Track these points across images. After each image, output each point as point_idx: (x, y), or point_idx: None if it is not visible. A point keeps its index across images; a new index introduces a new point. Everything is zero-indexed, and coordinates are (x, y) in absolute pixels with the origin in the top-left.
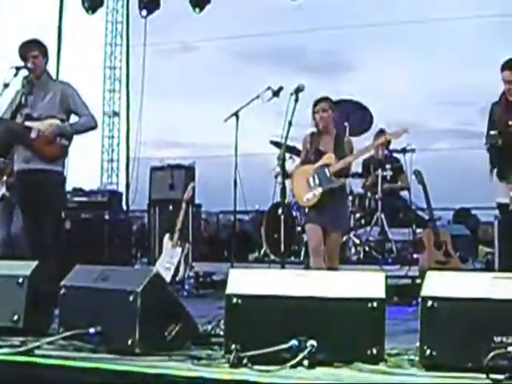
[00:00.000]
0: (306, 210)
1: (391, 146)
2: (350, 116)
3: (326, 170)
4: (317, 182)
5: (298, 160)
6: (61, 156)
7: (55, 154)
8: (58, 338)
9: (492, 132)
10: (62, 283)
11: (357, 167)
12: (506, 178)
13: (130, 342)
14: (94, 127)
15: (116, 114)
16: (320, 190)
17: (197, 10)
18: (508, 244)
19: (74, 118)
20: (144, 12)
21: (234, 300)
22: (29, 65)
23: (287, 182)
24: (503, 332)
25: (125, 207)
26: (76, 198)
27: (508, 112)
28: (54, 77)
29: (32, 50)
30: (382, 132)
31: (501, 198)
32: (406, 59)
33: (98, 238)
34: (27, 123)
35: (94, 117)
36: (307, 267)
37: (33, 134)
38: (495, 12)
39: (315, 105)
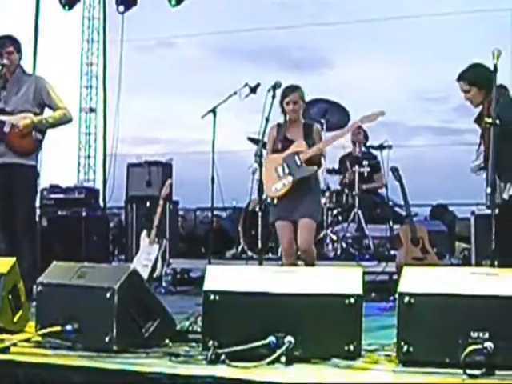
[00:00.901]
0: (275, 201)
1: (368, 143)
2: (327, 113)
3: (297, 158)
4: (286, 170)
5: None
6: (34, 150)
7: (29, 148)
8: (35, 336)
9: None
10: (39, 280)
11: (334, 163)
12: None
13: (107, 339)
14: (68, 121)
15: (93, 110)
16: (290, 179)
17: (172, 2)
18: None
19: (48, 112)
20: (121, 8)
21: (212, 297)
22: (4, 61)
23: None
24: (480, 327)
25: (102, 204)
26: (53, 195)
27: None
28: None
29: (7, 46)
30: (359, 128)
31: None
32: (386, 56)
33: (75, 235)
34: (0, 117)
35: (69, 110)
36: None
37: (6, 128)
38: (475, 8)
39: (285, 95)
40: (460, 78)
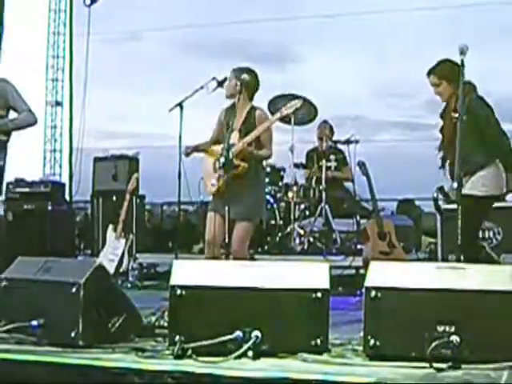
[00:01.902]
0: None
1: (335, 137)
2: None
3: (231, 152)
4: (220, 165)
5: None
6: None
7: None
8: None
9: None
10: (3, 275)
11: (301, 158)
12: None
13: (73, 334)
14: (33, 123)
15: (59, 103)
16: (223, 174)
17: None
18: None
19: (13, 114)
20: (88, 1)
21: (178, 291)
22: None
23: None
24: (446, 321)
25: (68, 198)
26: (18, 189)
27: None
28: None
29: None
30: (325, 123)
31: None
32: (353, 51)
33: (41, 230)
34: None
35: (34, 112)
36: (251, 258)
37: None
38: (442, 4)
39: (231, 73)
40: (430, 72)
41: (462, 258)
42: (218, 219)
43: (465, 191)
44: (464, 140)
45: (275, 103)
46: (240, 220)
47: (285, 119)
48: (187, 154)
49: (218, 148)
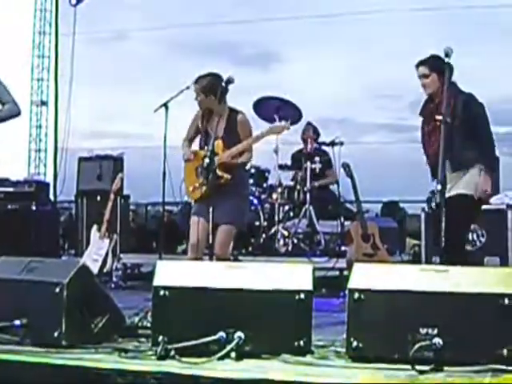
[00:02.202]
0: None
1: (320, 139)
2: (279, 111)
3: (215, 160)
4: (204, 172)
5: None
6: None
7: None
8: None
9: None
10: None
11: (286, 160)
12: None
13: (56, 334)
14: (17, 114)
15: (44, 103)
16: (205, 182)
17: None
18: None
19: None
20: (73, 0)
21: (162, 292)
22: None
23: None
24: (429, 324)
25: (52, 198)
26: (2, 189)
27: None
28: None
29: None
30: (309, 125)
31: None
32: (339, 52)
33: (25, 229)
34: None
35: (18, 103)
36: (236, 259)
37: None
38: (427, 6)
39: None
40: (421, 63)
41: (445, 259)
42: (202, 223)
43: (460, 191)
44: (456, 137)
45: (260, 106)
46: (222, 224)
47: (268, 120)
48: (188, 160)
49: (202, 152)
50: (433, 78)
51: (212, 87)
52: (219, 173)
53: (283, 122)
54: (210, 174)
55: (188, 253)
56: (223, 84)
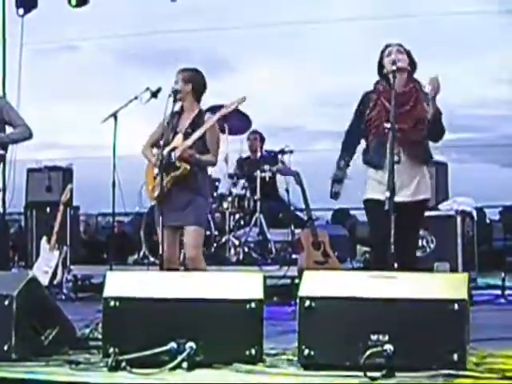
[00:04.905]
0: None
1: (270, 147)
2: (228, 119)
3: (172, 155)
4: (163, 166)
5: None
6: None
7: None
8: None
9: None
10: None
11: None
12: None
13: (6, 347)
14: (29, 137)
15: None
16: (164, 178)
17: (72, 2)
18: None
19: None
20: (21, 11)
21: (112, 303)
22: None
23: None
24: (379, 330)
25: (1, 210)
26: None
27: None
28: None
29: None
30: (256, 133)
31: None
32: (287, 61)
33: None
34: None
35: (29, 126)
36: (186, 269)
37: None
38: (377, 14)
39: (177, 74)
40: (396, 43)
41: (395, 265)
42: (169, 231)
43: (422, 196)
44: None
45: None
46: (192, 225)
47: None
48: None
49: (157, 152)
50: (407, 62)
51: (194, 78)
52: (177, 163)
53: (237, 98)
54: (168, 166)
55: (164, 266)
56: (203, 83)
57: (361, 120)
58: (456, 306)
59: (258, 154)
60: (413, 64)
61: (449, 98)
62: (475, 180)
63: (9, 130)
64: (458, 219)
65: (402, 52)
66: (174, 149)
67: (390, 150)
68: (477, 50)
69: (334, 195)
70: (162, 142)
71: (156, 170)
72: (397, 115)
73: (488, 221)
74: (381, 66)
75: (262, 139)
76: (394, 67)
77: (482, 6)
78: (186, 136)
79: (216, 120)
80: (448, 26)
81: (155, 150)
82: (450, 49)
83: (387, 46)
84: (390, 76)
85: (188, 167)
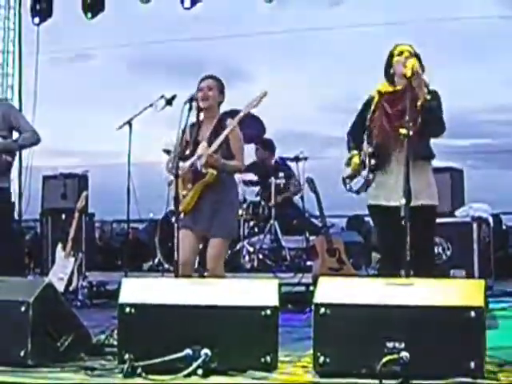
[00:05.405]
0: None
1: (286, 154)
2: (242, 124)
3: (198, 163)
4: (189, 178)
5: None
6: (5, 172)
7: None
8: None
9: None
10: None
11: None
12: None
13: (22, 353)
14: (37, 142)
15: None
16: (190, 186)
17: (89, 14)
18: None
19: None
20: (36, 19)
21: (127, 309)
22: None
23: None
24: (396, 338)
25: (17, 217)
26: None
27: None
28: None
29: None
30: (257, 149)
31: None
32: (304, 68)
33: None
34: None
35: (37, 132)
36: (201, 275)
37: None
38: (393, 19)
39: (199, 83)
40: (407, 44)
41: (411, 273)
42: (191, 237)
43: (428, 202)
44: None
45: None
46: (218, 237)
47: None
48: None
49: (184, 165)
50: (416, 63)
51: (218, 85)
52: (204, 170)
53: (257, 94)
54: (196, 176)
55: (179, 271)
56: (224, 91)
57: (362, 122)
58: (473, 314)
59: (272, 161)
60: (421, 66)
61: (464, 104)
62: (491, 186)
63: (15, 135)
64: (474, 226)
65: (411, 55)
66: (199, 157)
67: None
68: (492, 55)
69: (353, 191)
70: (172, 152)
71: (182, 181)
72: (398, 118)
73: (504, 227)
74: (388, 66)
75: (269, 147)
76: (405, 80)
77: (501, 10)
78: (210, 143)
79: (238, 121)
80: (464, 30)
81: (181, 163)
82: (465, 54)
83: (397, 46)
84: (401, 80)
85: (215, 173)
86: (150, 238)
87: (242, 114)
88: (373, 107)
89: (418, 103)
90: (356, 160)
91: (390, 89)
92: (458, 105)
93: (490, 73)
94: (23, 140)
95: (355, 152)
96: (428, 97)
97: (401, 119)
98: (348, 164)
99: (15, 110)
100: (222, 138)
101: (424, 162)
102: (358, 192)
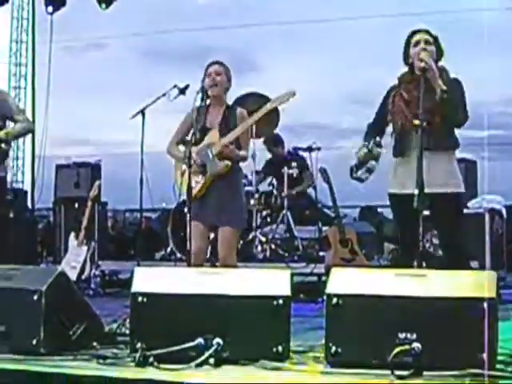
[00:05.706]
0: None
1: (299, 144)
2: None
3: (209, 151)
4: (198, 167)
5: None
6: (1, 160)
7: None
8: None
9: None
10: None
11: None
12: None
13: (34, 341)
14: (31, 130)
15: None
16: (201, 176)
17: (103, 5)
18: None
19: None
20: (50, 9)
21: (140, 298)
22: None
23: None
24: (407, 328)
25: (30, 205)
26: None
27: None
28: None
29: None
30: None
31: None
32: (316, 58)
33: (3, 237)
34: None
35: (30, 120)
36: (213, 265)
37: None
38: (403, 11)
39: (206, 69)
40: (424, 30)
41: (424, 264)
42: (200, 225)
43: (454, 189)
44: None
45: (243, 102)
46: (225, 224)
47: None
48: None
49: (194, 149)
50: (433, 50)
51: (225, 71)
52: (217, 161)
53: (287, 90)
54: (208, 164)
55: (191, 261)
56: (231, 77)
57: (383, 111)
58: (485, 305)
59: (286, 152)
60: (439, 51)
61: (478, 96)
62: (504, 177)
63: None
64: (487, 217)
65: (430, 43)
66: (209, 145)
67: (419, 146)
68: (508, 47)
69: (357, 179)
70: (188, 138)
71: (184, 167)
72: (416, 106)
73: None
74: (406, 53)
75: (280, 140)
76: (420, 71)
77: None
78: (222, 131)
79: (260, 116)
80: (479, 21)
81: (182, 148)
82: (481, 45)
83: (414, 33)
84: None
85: (229, 164)
86: (162, 228)
87: (264, 110)
88: (393, 93)
89: (436, 96)
90: (365, 149)
91: (409, 76)
92: (472, 96)
93: (505, 64)
94: (18, 129)
95: (367, 143)
96: (444, 87)
97: (419, 107)
98: (357, 153)
99: (10, 98)
100: (239, 130)
101: (447, 151)
102: (361, 180)
